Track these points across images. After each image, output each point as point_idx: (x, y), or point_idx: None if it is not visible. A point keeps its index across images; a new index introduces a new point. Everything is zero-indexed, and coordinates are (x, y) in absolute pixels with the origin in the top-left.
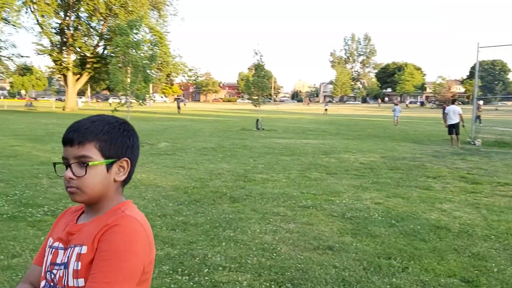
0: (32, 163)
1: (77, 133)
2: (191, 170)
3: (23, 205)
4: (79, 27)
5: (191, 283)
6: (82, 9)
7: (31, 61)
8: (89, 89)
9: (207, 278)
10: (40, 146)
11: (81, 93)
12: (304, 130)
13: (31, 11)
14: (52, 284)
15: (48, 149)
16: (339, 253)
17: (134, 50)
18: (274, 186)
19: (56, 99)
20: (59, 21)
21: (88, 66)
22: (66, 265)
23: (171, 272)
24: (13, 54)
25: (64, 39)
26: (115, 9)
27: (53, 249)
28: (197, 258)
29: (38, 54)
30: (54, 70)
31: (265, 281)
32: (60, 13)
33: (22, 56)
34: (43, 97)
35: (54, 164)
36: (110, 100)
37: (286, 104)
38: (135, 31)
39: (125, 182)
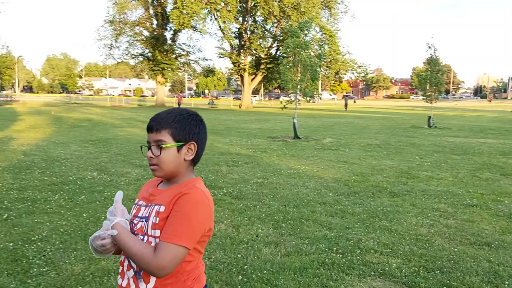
0: (214, 153)
1: (155, 122)
2: (353, 165)
3: (207, 186)
4: (255, 30)
5: (344, 260)
6: (258, 13)
7: (213, 64)
8: (262, 88)
9: (358, 258)
10: (220, 139)
11: (255, 92)
12: (483, 128)
13: (215, 18)
14: (131, 231)
15: (226, 141)
16: (497, 249)
17: (303, 50)
18: (438, 184)
19: (234, 98)
20: (238, 26)
21: (262, 66)
22: (146, 219)
23: (327, 250)
24: (199, 58)
25: (242, 42)
26: (288, 11)
27: (137, 206)
28: (351, 241)
29: (220, 57)
30: (233, 71)
31: (414, 266)
32: (239, 19)
33: (206, 60)
34: (223, 96)
35: (141, 146)
36: (281, 98)
37: (466, 101)
38: (305, 32)
39: (194, 161)
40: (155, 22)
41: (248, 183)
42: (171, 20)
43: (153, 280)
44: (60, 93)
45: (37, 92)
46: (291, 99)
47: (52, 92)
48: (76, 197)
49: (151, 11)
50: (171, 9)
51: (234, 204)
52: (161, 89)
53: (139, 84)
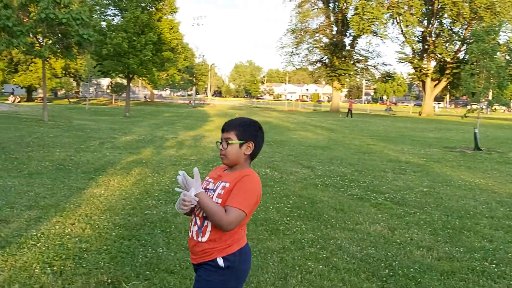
0: (381, 160)
1: (227, 125)
2: None
3: (369, 190)
4: (441, 33)
5: (496, 270)
6: (445, 15)
7: (393, 69)
8: (448, 94)
9: None
10: (392, 146)
11: (439, 98)
12: None
13: (397, 22)
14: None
15: (398, 149)
16: None
17: (489, 56)
18: None
19: (414, 105)
20: (422, 29)
21: (447, 71)
22: (214, 190)
23: (480, 259)
24: (378, 63)
25: (425, 46)
26: (480, 12)
27: (207, 182)
28: (510, 254)
29: (400, 62)
30: (414, 76)
31: None
32: (423, 22)
33: (385, 65)
34: (402, 102)
35: (216, 142)
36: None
37: None
38: (492, 36)
39: (251, 156)
40: (335, 28)
41: (412, 191)
42: (351, 26)
43: (206, 235)
44: (244, 97)
45: (225, 97)
46: (472, 107)
47: (237, 97)
48: None
49: (332, 18)
50: (352, 15)
51: (394, 209)
52: (336, 94)
53: (316, 90)
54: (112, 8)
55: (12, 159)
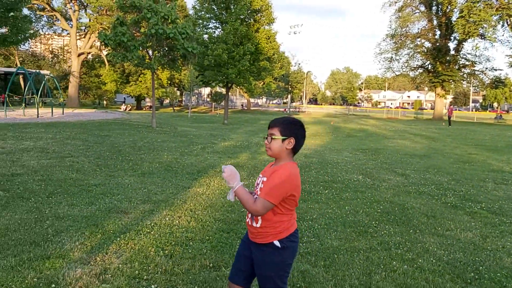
0: (483, 170)
1: (272, 122)
2: None
3: (465, 199)
4: None
5: None
6: None
7: (505, 74)
8: None
9: None
10: (496, 156)
11: None
12: None
13: (507, 24)
14: (255, 192)
15: (503, 159)
16: None
17: None
18: None
19: None
20: None
21: None
22: (259, 184)
23: None
24: (486, 68)
25: None
26: None
27: (259, 177)
28: None
29: (511, 66)
30: None
31: None
32: None
33: (495, 70)
34: None
35: (263, 137)
36: None
37: None
38: None
39: (293, 151)
40: (438, 32)
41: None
42: (455, 30)
43: (259, 223)
44: (341, 105)
45: (321, 104)
46: None
47: (333, 104)
48: (342, 193)
49: (435, 22)
50: (456, 18)
51: (489, 218)
52: (440, 101)
53: (418, 97)
54: (214, 21)
55: (128, 160)
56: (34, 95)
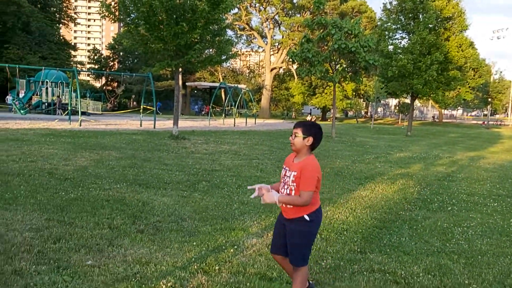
0: None
1: (297, 124)
2: None
3: None
4: None
5: None
6: None
7: None
8: None
9: None
10: None
11: None
12: None
13: None
14: (283, 183)
15: None
16: None
17: None
18: None
19: None
20: None
21: None
22: (289, 177)
23: None
24: None
25: None
26: None
27: (284, 169)
28: None
29: None
30: None
31: None
32: None
33: None
34: None
35: (290, 135)
36: None
37: None
38: None
39: (311, 147)
40: None
41: None
42: None
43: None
44: None
45: None
46: None
47: None
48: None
49: None
50: None
51: None
52: None
53: None
54: (400, 32)
55: None
56: (232, 107)
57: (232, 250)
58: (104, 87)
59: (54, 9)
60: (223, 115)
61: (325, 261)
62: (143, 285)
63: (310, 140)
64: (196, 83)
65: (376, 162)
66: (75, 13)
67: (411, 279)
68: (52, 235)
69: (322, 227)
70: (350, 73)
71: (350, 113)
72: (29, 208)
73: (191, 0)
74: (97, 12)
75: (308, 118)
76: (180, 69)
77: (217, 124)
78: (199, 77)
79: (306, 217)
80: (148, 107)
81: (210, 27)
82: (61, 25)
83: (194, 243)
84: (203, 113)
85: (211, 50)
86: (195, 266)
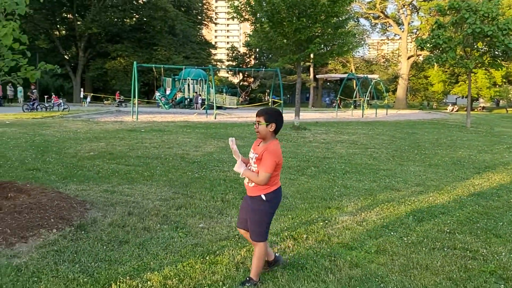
0: None
1: (259, 113)
2: None
3: None
4: None
5: None
6: None
7: None
8: None
9: None
10: None
11: None
12: None
13: None
14: (248, 163)
15: None
16: None
17: None
18: None
19: None
20: None
21: None
22: (252, 159)
23: None
24: None
25: None
26: None
27: (251, 151)
28: None
29: None
30: None
31: None
32: None
33: None
34: None
35: (253, 123)
36: None
37: None
38: None
39: (275, 132)
40: None
41: None
42: None
43: (253, 184)
44: None
45: None
46: None
47: None
48: None
49: None
50: None
51: None
52: None
53: None
54: None
55: (421, 154)
56: (361, 98)
57: (321, 223)
58: (240, 83)
59: (196, 11)
60: (352, 106)
61: (408, 237)
62: (239, 244)
63: (273, 126)
64: (326, 75)
65: (505, 152)
66: (215, 13)
67: (491, 257)
68: (175, 204)
69: (416, 210)
70: (488, 59)
71: (503, 102)
72: (161, 184)
73: None
74: (227, 12)
75: (449, 108)
76: (301, 63)
77: (345, 115)
78: (331, 69)
79: (263, 197)
80: (276, 100)
81: (331, 21)
82: (202, 26)
83: (290, 216)
84: (334, 105)
85: (333, 43)
86: (286, 233)
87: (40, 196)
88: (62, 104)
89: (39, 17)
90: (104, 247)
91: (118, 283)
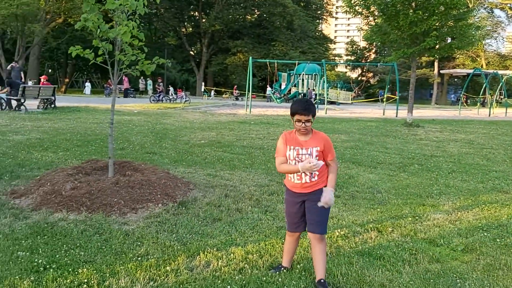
0: None
1: (306, 110)
2: None
3: None
4: None
5: None
6: None
7: None
8: None
9: None
10: None
11: None
12: None
13: None
14: (298, 161)
15: None
16: None
17: None
18: None
19: None
20: None
21: None
22: (310, 154)
23: None
24: None
25: None
26: None
27: (295, 149)
28: None
29: None
30: None
31: None
32: None
33: None
34: None
35: (302, 122)
36: None
37: None
38: None
39: None
40: None
41: None
42: None
43: (315, 178)
44: None
45: None
46: None
47: None
48: None
49: None
50: None
51: None
52: None
53: None
54: None
55: None
56: (488, 95)
57: (411, 219)
58: (358, 78)
59: (315, 6)
60: (478, 104)
61: (503, 239)
62: None
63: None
64: (452, 71)
65: None
66: (336, 8)
67: None
68: (269, 190)
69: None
70: None
71: None
72: (259, 172)
73: None
74: (341, 6)
75: None
76: (417, 58)
77: (469, 113)
78: (458, 64)
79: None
80: (392, 95)
81: (451, 12)
82: (321, 20)
83: (379, 210)
84: (460, 102)
85: (453, 35)
86: (371, 225)
87: (151, 175)
88: (184, 97)
89: (169, 16)
90: (200, 222)
91: (205, 253)
